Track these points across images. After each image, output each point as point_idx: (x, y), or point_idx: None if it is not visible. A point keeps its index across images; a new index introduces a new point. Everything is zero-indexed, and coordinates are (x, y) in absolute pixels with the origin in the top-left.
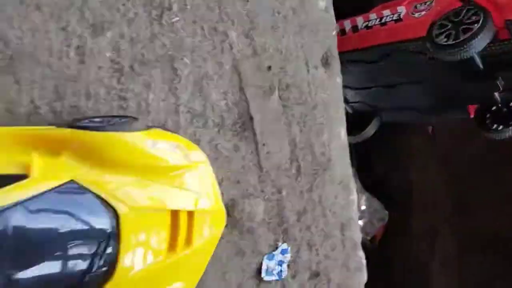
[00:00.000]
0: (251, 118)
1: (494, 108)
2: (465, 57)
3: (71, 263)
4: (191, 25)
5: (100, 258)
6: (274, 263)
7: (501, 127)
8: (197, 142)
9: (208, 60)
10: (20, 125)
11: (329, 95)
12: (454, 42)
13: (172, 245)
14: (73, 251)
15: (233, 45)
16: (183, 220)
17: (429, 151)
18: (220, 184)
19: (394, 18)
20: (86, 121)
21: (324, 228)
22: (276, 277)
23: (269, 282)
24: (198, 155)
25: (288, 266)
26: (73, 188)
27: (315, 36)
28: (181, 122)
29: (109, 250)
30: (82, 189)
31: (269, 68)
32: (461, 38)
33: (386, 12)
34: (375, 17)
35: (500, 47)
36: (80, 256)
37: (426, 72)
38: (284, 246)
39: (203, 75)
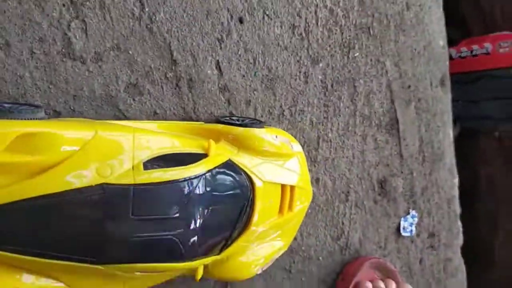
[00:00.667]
0: (397, 121)
1: None
2: None
3: (226, 218)
4: (365, 58)
5: (243, 216)
6: (408, 224)
7: None
8: (365, 136)
9: (373, 81)
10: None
11: (444, 106)
12: None
13: (281, 210)
14: (228, 210)
15: (388, 71)
16: (287, 192)
17: (495, 151)
18: (377, 166)
19: (484, 52)
20: (227, 118)
21: (438, 202)
22: (409, 234)
23: (404, 237)
24: (298, 147)
25: (416, 227)
26: (230, 165)
27: (436, 65)
28: (357, 122)
29: (247, 209)
30: (235, 166)
31: (409, 87)
32: None
33: (475, 46)
34: (466, 50)
35: None
36: (232, 213)
37: (509, 91)
38: (414, 212)
39: (370, 91)
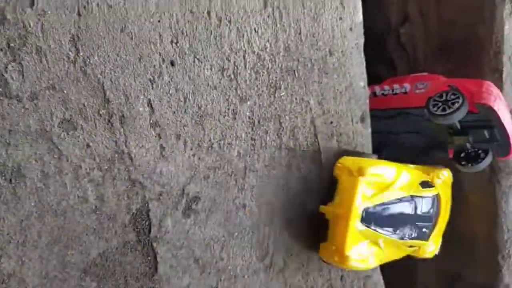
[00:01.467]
0: (320, 153)
1: (465, 152)
2: (449, 123)
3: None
4: (291, 97)
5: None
6: None
7: (469, 165)
8: (289, 165)
9: (298, 117)
10: None
11: (364, 139)
12: (443, 113)
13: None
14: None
15: (312, 109)
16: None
17: None
18: (300, 194)
19: (402, 91)
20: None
21: None
22: None
23: None
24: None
25: None
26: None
27: (357, 103)
28: (282, 154)
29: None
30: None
31: (331, 122)
32: (448, 111)
33: (396, 86)
34: (388, 88)
35: (471, 116)
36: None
37: (423, 127)
38: None
39: (295, 126)
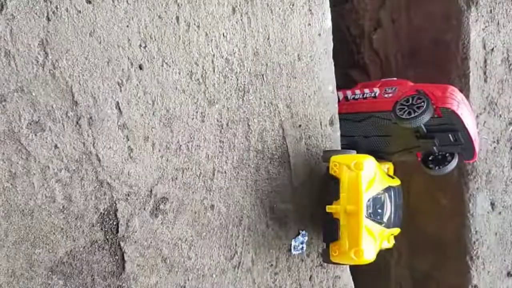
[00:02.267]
0: (289, 155)
1: (433, 155)
2: (415, 126)
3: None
4: (259, 101)
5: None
6: (298, 242)
7: (437, 167)
8: (258, 167)
9: (267, 120)
10: None
11: (333, 142)
12: (408, 117)
13: None
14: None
15: (280, 112)
16: None
17: None
18: (269, 194)
19: (372, 95)
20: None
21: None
22: (299, 252)
23: (295, 256)
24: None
25: (306, 246)
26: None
27: (326, 107)
28: (251, 156)
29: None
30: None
31: (300, 126)
32: (413, 115)
33: (366, 90)
34: (359, 93)
35: (436, 120)
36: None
37: (391, 131)
38: (304, 232)
39: (264, 129)
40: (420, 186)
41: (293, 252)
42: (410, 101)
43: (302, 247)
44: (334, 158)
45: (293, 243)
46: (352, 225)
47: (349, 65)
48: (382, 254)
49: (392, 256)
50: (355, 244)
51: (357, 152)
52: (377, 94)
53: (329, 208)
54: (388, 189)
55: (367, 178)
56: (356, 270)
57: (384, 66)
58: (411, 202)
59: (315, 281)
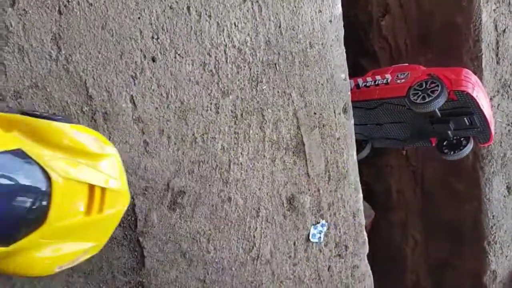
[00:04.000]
0: (304, 145)
1: (447, 140)
2: (430, 111)
3: (12, 209)
4: (272, 90)
5: (35, 209)
6: (317, 231)
7: (452, 152)
8: (274, 158)
9: (281, 110)
10: None
11: (346, 130)
12: (423, 101)
13: (88, 210)
14: (15, 200)
15: (294, 101)
16: (97, 193)
17: (404, 166)
18: (285, 185)
19: (384, 82)
20: (32, 111)
21: (344, 215)
22: (317, 241)
23: (313, 247)
24: (112, 149)
25: (324, 236)
26: (20, 154)
27: (339, 95)
28: (266, 147)
29: (42, 204)
30: (26, 156)
31: (314, 114)
32: (427, 100)
33: (378, 77)
34: (371, 80)
35: (451, 104)
36: (19, 204)
37: (405, 117)
38: (323, 222)
39: (278, 119)
40: (435, 172)
41: (311, 239)
42: (424, 86)
43: (320, 236)
44: None
45: (312, 230)
46: None
47: (359, 53)
48: (398, 243)
49: (408, 244)
50: None
51: (370, 140)
52: (389, 81)
53: None
54: None
55: None
56: (371, 260)
57: (394, 52)
58: (425, 189)
59: (334, 271)
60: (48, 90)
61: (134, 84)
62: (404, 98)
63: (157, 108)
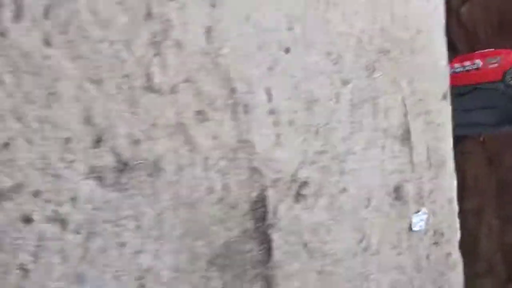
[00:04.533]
0: (409, 132)
1: None
2: None
3: None
4: (385, 78)
5: None
6: (418, 219)
7: None
8: (384, 146)
9: (391, 98)
10: None
11: (446, 117)
12: None
13: None
14: None
15: (403, 89)
16: None
17: (480, 152)
18: (393, 174)
19: (474, 67)
20: None
21: (441, 202)
22: (419, 229)
23: (414, 235)
24: None
25: (425, 224)
26: None
27: (440, 81)
28: (377, 135)
29: None
30: None
31: (420, 101)
32: None
33: (467, 63)
34: (459, 66)
35: None
36: None
37: (496, 102)
38: (424, 210)
39: (388, 107)
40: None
41: (413, 228)
42: None
43: (421, 225)
44: None
45: (413, 219)
46: None
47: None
48: (472, 230)
49: (482, 231)
50: None
51: (455, 128)
52: (480, 66)
53: None
54: None
55: None
56: None
57: (473, 40)
58: (502, 176)
59: (431, 259)
60: (199, 84)
61: (270, 75)
62: (499, 82)
63: (288, 99)
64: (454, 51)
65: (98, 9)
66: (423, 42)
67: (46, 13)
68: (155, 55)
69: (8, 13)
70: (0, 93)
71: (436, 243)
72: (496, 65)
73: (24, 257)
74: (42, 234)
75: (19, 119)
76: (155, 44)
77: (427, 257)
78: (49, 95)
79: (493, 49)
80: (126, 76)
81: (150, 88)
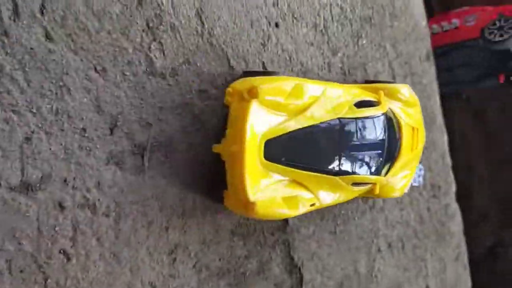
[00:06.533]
0: None
1: None
2: (507, 48)
3: (391, 147)
4: (370, 44)
5: (398, 148)
6: (416, 175)
7: None
8: None
9: (378, 63)
10: None
11: (431, 76)
12: (502, 38)
13: (412, 147)
14: (391, 141)
15: (388, 53)
16: (415, 133)
17: (464, 110)
18: None
19: (452, 27)
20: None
21: (435, 158)
22: (417, 184)
23: (414, 191)
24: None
25: (423, 179)
26: (389, 111)
27: (422, 42)
28: None
29: (398, 145)
30: (391, 111)
31: (405, 63)
32: (505, 36)
33: (444, 23)
34: (436, 27)
35: None
36: (393, 144)
37: (476, 58)
38: (421, 165)
39: (377, 71)
40: (496, 112)
41: (413, 183)
42: (498, 24)
43: (420, 180)
44: (233, 84)
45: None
46: (237, 171)
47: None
48: (463, 183)
49: (473, 182)
50: (242, 195)
51: (439, 87)
52: (458, 25)
53: (214, 148)
54: (337, 122)
55: (276, 107)
56: None
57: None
58: (488, 129)
59: (432, 211)
60: (198, 65)
61: (264, 50)
62: (478, 39)
63: (283, 72)
64: (429, 12)
65: (91, 0)
66: (402, 5)
67: (42, 8)
68: (153, 40)
69: (6, 12)
70: (14, 90)
71: (434, 196)
72: (473, 23)
73: (64, 242)
74: (76, 219)
75: (35, 113)
76: (151, 29)
77: (428, 209)
78: (60, 88)
79: (468, 7)
80: (128, 63)
81: (152, 73)
